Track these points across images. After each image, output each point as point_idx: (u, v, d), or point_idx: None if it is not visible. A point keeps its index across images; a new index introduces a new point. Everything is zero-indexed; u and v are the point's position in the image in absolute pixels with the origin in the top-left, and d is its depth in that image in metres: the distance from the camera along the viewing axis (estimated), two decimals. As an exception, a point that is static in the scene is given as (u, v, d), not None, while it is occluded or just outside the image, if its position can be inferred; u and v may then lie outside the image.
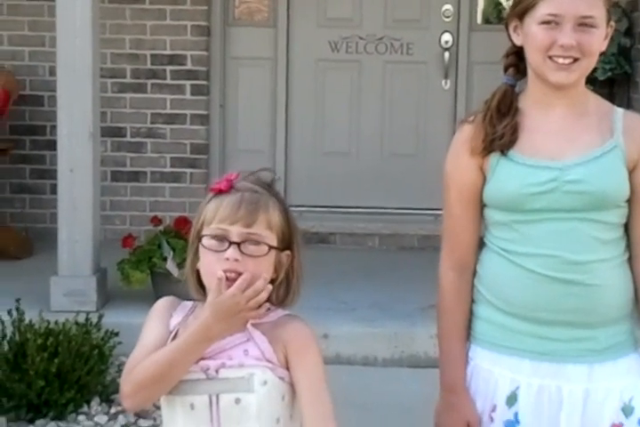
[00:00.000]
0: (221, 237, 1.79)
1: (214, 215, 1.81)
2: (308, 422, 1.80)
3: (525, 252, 1.98)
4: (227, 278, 1.77)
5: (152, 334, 1.85)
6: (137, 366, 1.80)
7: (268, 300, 1.82)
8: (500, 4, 5.85)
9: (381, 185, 5.67)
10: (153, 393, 1.82)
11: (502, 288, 2.01)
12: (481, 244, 2.08)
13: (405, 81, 5.71)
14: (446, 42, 5.66)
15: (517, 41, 2.02)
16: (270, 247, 1.81)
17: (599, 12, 1.95)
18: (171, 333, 1.85)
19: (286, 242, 1.85)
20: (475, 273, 2.07)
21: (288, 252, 1.86)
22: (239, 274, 1.77)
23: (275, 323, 1.84)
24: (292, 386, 1.82)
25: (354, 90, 5.75)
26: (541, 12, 1.94)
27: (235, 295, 1.74)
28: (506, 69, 2.07)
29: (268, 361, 1.80)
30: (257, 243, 1.79)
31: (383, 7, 5.68)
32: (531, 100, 2.03)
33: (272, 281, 1.84)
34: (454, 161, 2.05)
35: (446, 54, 5.66)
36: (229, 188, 1.83)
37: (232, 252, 1.77)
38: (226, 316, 1.76)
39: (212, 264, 1.80)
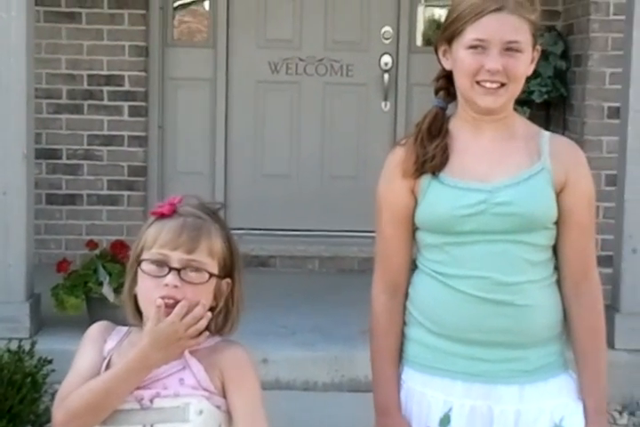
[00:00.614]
0: (161, 263, 1.78)
1: (155, 240, 1.79)
2: None
3: (456, 274, 2.00)
4: (165, 305, 1.74)
5: (85, 361, 1.82)
6: (71, 394, 1.76)
7: (207, 328, 1.80)
8: (440, 25, 5.89)
9: (321, 207, 5.67)
10: (86, 422, 1.78)
11: (434, 310, 2.03)
12: (413, 266, 2.10)
13: (345, 103, 5.72)
14: (386, 64, 5.69)
15: (447, 65, 2.05)
16: (211, 275, 1.79)
17: (524, 37, 1.98)
18: (104, 359, 1.81)
19: (227, 270, 1.84)
20: (407, 295, 2.09)
21: (229, 280, 1.84)
22: (177, 301, 1.74)
23: (212, 348, 1.82)
24: (229, 414, 1.80)
25: (294, 111, 5.74)
26: (468, 37, 1.98)
27: (174, 323, 1.72)
28: (436, 92, 2.11)
29: (205, 390, 1.78)
30: (197, 270, 1.78)
31: (323, 29, 5.70)
32: (460, 123, 2.06)
33: (211, 309, 1.82)
34: (387, 184, 2.07)
35: (386, 76, 5.68)
36: (172, 212, 1.82)
37: (171, 278, 1.76)
38: (165, 344, 1.73)
39: (150, 290, 1.78)
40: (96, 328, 1.89)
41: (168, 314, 1.73)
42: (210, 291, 1.81)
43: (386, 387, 2.07)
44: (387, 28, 5.69)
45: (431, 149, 2.01)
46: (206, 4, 5.80)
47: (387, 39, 5.70)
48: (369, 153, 5.66)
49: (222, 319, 1.86)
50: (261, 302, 4.36)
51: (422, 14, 5.85)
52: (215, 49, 5.67)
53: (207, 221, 1.82)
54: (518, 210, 1.97)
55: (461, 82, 2.00)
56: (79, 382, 1.78)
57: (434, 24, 5.89)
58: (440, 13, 5.85)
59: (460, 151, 2.03)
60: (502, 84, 1.97)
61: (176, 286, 1.75)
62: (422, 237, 2.05)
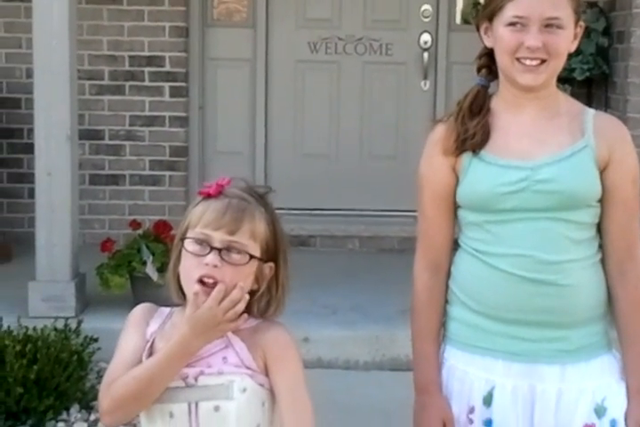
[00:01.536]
0: (204, 242, 1.78)
1: (199, 219, 1.80)
2: None
3: (498, 252, 1.99)
4: (204, 283, 1.76)
5: (129, 346, 1.83)
6: (116, 382, 1.78)
7: (249, 311, 1.81)
8: (479, 3, 5.85)
9: (361, 187, 5.66)
10: (133, 409, 1.81)
11: (475, 289, 2.03)
12: (455, 245, 2.10)
13: (385, 82, 5.71)
14: (425, 42, 5.66)
15: (488, 43, 2.04)
16: (251, 257, 1.79)
17: (565, 13, 1.97)
18: (147, 342, 1.83)
19: (271, 254, 1.83)
20: (449, 274, 2.09)
21: (272, 264, 1.84)
22: (217, 281, 1.76)
23: (254, 329, 1.83)
24: (272, 392, 1.82)
25: (333, 91, 5.74)
26: (508, 14, 1.97)
27: (211, 308, 1.73)
28: (479, 70, 2.09)
29: (248, 368, 1.79)
30: (238, 251, 1.78)
31: (362, 8, 5.67)
32: (502, 102, 2.05)
33: (253, 292, 1.82)
34: (427, 162, 2.07)
35: (425, 55, 5.65)
36: (218, 193, 1.82)
37: (212, 257, 1.76)
38: (204, 329, 1.75)
39: (191, 268, 1.79)
40: (138, 311, 1.90)
41: (208, 294, 1.74)
42: (250, 273, 1.80)
43: (426, 365, 2.07)
44: (426, 7, 5.65)
45: (472, 127, 2.00)
46: (246, -16, 5.80)
47: (426, 17, 5.67)
48: (408, 132, 5.65)
49: (265, 303, 1.85)
50: (302, 282, 4.34)
51: (462, -8, 5.81)
52: (255, 29, 5.67)
53: (252, 204, 1.82)
54: (560, 187, 1.96)
55: (502, 59, 1.99)
56: (123, 368, 1.79)
57: (472, 2, 5.84)
58: (480, -9, 5.82)
59: (502, 129, 2.02)
60: (543, 61, 1.95)
61: (216, 266, 1.76)
62: (464, 215, 2.05)
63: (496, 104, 2.05)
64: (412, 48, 5.67)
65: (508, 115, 2.03)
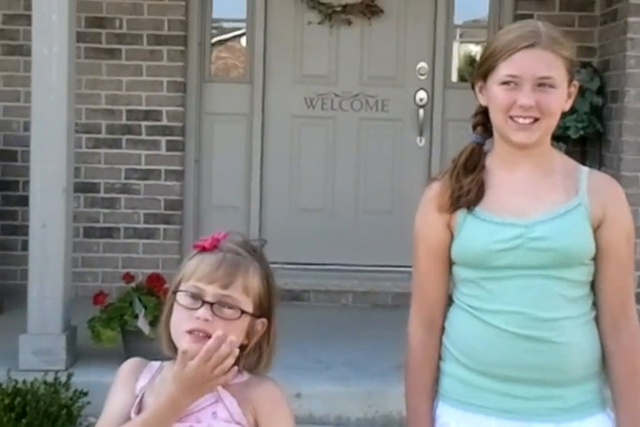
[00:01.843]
0: (196, 296, 1.78)
1: (193, 272, 1.80)
2: None
3: (492, 309, 2.00)
4: (196, 338, 1.75)
5: (117, 402, 1.82)
6: None
7: (238, 365, 1.79)
8: (475, 61, 5.92)
9: (356, 242, 5.67)
10: None
11: (469, 345, 2.02)
12: (449, 301, 2.10)
13: (380, 138, 5.75)
14: (421, 99, 5.71)
15: (483, 101, 2.07)
16: (242, 312, 1.79)
17: (558, 73, 1.99)
18: (137, 397, 1.81)
19: (263, 309, 1.83)
20: (443, 330, 2.08)
21: (264, 320, 1.84)
22: (208, 335, 1.74)
23: (245, 384, 1.82)
24: None
25: (329, 146, 5.77)
26: (501, 73, 1.99)
27: (199, 367, 1.71)
28: (474, 128, 2.11)
29: (237, 423, 1.78)
30: (231, 306, 1.78)
31: (359, 64, 5.74)
32: (497, 159, 2.07)
33: (243, 347, 1.81)
34: (423, 218, 2.08)
35: (421, 111, 5.70)
36: (213, 247, 1.82)
37: (203, 311, 1.76)
38: (192, 387, 1.73)
39: (182, 321, 1.78)
40: (127, 367, 1.89)
41: (199, 347, 1.73)
42: (242, 328, 1.80)
43: (419, 422, 2.06)
44: (422, 64, 5.72)
45: (466, 184, 2.01)
46: (243, 40, 5.87)
47: (422, 75, 5.73)
48: (404, 188, 5.67)
49: (255, 359, 1.85)
50: (295, 337, 4.36)
51: (457, 50, 5.88)
52: (252, 84, 5.73)
53: (247, 259, 1.82)
54: (554, 245, 1.96)
55: (495, 117, 2.01)
56: (111, 425, 1.78)
57: (469, 60, 5.91)
58: (475, 50, 5.88)
59: (496, 187, 2.03)
60: (536, 120, 1.97)
61: (207, 320, 1.75)
62: (458, 271, 2.06)
63: (491, 161, 2.07)
64: (407, 105, 5.73)
65: (502, 172, 2.05)
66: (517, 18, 5.26)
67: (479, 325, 2.01)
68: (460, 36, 5.95)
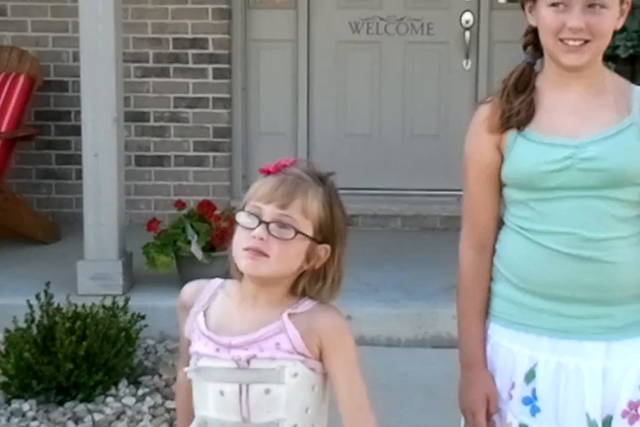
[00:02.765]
0: (254, 215, 1.78)
1: (255, 193, 1.81)
2: (345, 413, 1.82)
3: (542, 229, 1.99)
4: (254, 254, 1.77)
5: (182, 345, 1.93)
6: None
7: (303, 291, 1.82)
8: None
9: (403, 166, 5.68)
10: None
11: (520, 266, 2.03)
12: (500, 223, 2.10)
13: (426, 62, 5.70)
14: (467, 21, 5.64)
15: (532, 21, 2.03)
16: (297, 232, 1.78)
17: None
18: (198, 315, 1.87)
19: (325, 235, 1.81)
20: (494, 251, 2.09)
21: (327, 246, 1.82)
22: (265, 254, 1.76)
23: (309, 313, 1.81)
24: (323, 376, 1.83)
25: (375, 71, 5.74)
26: None
27: None
28: (525, 48, 2.08)
29: (300, 354, 1.80)
30: (287, 226, 1.77)
31: (404, -13, 5.67)
32: (547, 80, 2.04)
33: (303, 273, 1.82)
34: (473, 141, 2.07)
35: (467, 34, 5.64)
36: (277, 170, 1.82)
37: (259, 230, 1.77)
38: None
39: (240, 240, 1.79)
40: (181, 298, 1.91)
41: (253, 258, 1.76)
42: (299, 250, 1.78)
43: (472, 341, 2.07)
44: (468, -15, 5.64)
45: (517, 104, 1.99)
46: (288, -34, 5.82)
47: (468, -4, 5.65)
48: (450, 112, 5.64)
49: (319, 286, 1.84)
50: (345, 261, 4.43)
51: (505, -30, 5.78)
52: (297, 10, 5.69)
53: (307, 182, 1.80)
54: (605, 165, 1.95)
55: (545, 39, 1.98)
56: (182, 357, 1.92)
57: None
58: (522, -31, 5.77)
59: (547, 107, 2.01)
60: (586, 41, 1.94)
61: (262, 239, 1.76)
62: (509, 193, 2.05)
63: (541, 82, 2.04)
64: (453, 27, 5.66)
65: (553, 93, 2.02)
66: None
67: (530, 245, 2.01)
68: (508, -45, 5.84)
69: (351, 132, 5.75)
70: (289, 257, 1.78)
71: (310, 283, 1.83)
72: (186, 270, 4.13)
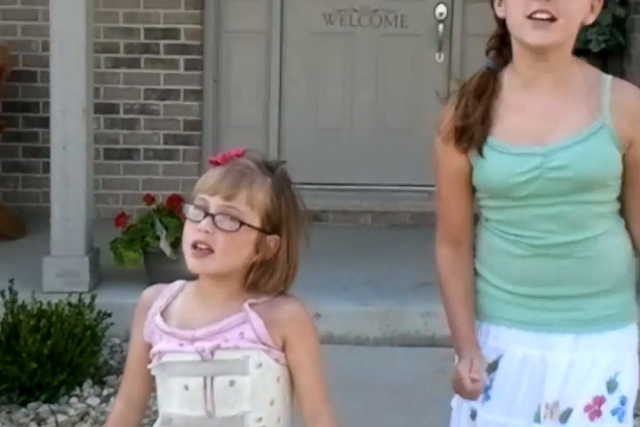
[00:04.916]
0: (201, 208, 1.78)
1: (202, 185, 1.80)
2: (306, 404, 1.84)
3: (515, 233, 2.01)
4: (196, 247, 1.77)
5: (132, 350, 1.92)
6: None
7: (257, 283, 1.82)
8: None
9: (375, 161, 5.65)
10: None
11: (492, 261, 2.05)
12: (476, 219, 2.11)
13: (399, 54, 5.67)
14: (441, 13, 5.61)
15: (500, 13, 1.99)
16: (242, 224, 1.77)
17: None
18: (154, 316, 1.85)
19: (274, 225, 1.80)
20: (471, 245, 2.11)
21: (277, 237, 1.81)
22: (210, 248, 1.76)
23: (270, 303, 1.82)
24: (287, 368, 1.83)
25: (347, 63, 5.71)
26: None
27: None
28: (487, 52, 2.06)
29: (264, 344, 1.80)
30: (233, 218, 1.77)
31: (377, -21, 5.63)
32: (516, 77, 2.01)
33: (253, 264, 1.82)
34: (440, 145, 2.05)
35: (440, 26, 5.61)
36: (225, 161, 1.82)
37: (204, 223, 1.76)
38: None
39: (187, 234, 1.79)
40: (141, 301, 1.91)
41: (199, 257, 1.75)
42: (246, 242, 1.78)
43: (462, 328, 2.06)
44: (442, -23, 5.61)
45: (472, 120, 1.97)
46: (261, -45, 5.76)
47: (442, -12, 5.62)
48: (423, 105, 5.60)
49: (269, 276, 1.82)
50: (314, 257, 4.36)
51: (478, -37, 5.75)
52: (270, 1, 5.64)
53: (255, 172, 1.79)
54: (573, 173, 1.94)
55: (513, 21, 1.94)
56: (129, 374, 1.91)
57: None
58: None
59: (515, 109, 1.99)
60: (553, 19, 1.90)
61: (207, 232, 1.75)
62: (480, 197, 2.06)
63: (509, 81, 2.01)
64: (427, 20, 5.63)
65: (521, 92, 1.99)
66: None
67: (502, 243, 2.03)
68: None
69: (323, 126, 5.72)
70: (235, 249, 1.78)
71: (262, 274, 1.82)
72: (154, 267, 4.09)
